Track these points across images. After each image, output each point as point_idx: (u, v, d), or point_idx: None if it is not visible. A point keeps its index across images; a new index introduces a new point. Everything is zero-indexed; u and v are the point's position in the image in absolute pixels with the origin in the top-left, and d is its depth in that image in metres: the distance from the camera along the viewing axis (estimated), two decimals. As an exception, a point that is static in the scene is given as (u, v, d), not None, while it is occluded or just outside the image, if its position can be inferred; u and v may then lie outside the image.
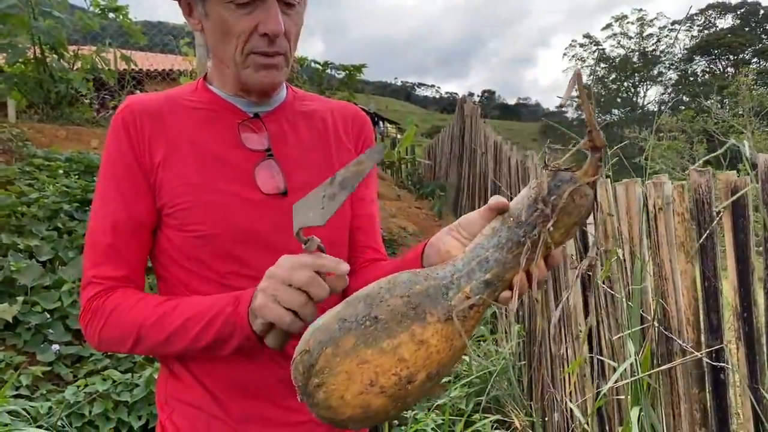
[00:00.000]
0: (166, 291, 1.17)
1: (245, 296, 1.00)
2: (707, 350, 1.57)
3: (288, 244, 1.10)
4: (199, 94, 1.19)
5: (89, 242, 1.14)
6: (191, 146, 1.13)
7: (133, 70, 8.29)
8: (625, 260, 1.99)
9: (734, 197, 1.39)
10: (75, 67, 7.47)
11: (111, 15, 7.82)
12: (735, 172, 1.45)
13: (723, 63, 60.59)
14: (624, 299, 2.01)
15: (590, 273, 2.43)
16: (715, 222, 1.43)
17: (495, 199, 0.91)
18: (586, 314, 2.62)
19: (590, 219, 2.36)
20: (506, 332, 4.33)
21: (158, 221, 1.14)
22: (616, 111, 62.11)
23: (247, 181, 1.12)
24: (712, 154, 1.73)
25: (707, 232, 1.45)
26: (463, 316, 0.88)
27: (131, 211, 1.12)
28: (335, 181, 0.98)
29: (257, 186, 1.12)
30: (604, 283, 2.24)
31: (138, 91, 7.67)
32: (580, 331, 2.71)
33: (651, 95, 66.52)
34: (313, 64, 12.40)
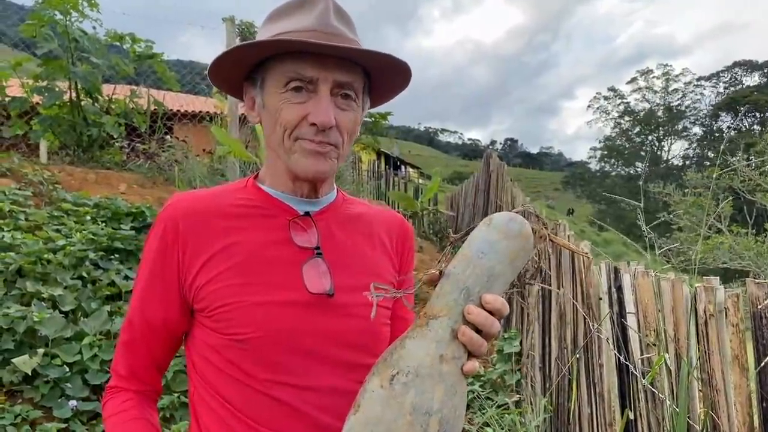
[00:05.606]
0: (195, 395, 1.14)
1: None
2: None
3: (331, 351, 1.07)
4: (249, 191, 1.18)
5: (120, 331, 1.19)
6: (237, 246, 1.10)
7: (164, 113, 8.43)
8: (669, 359, 1.90)
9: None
10: (108, 110, 7.62)
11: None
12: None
13: (749, 120, 60.40)
14: (667, 399, 1.92)
15: (628, 362, 2.34)
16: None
17: None
18: (622, 403, 2.51)
19: (632, 309, 2.28)
20: (531, 404, 4.19)
21: (184, 325, 1.15)
22: (639, 164, 61.86)
23: (294, 280, 1.09)
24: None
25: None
26: None
27: (146, 315, 1.14)
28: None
29: (304, 285, 1.09)
30: (644, 377, 2.15)
31: (168, 137, 7.76)
32: (614, 419, 2.60)
33: (675, 150, 66.32)
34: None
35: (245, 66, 1.13)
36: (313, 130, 1.07)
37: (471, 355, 0.88)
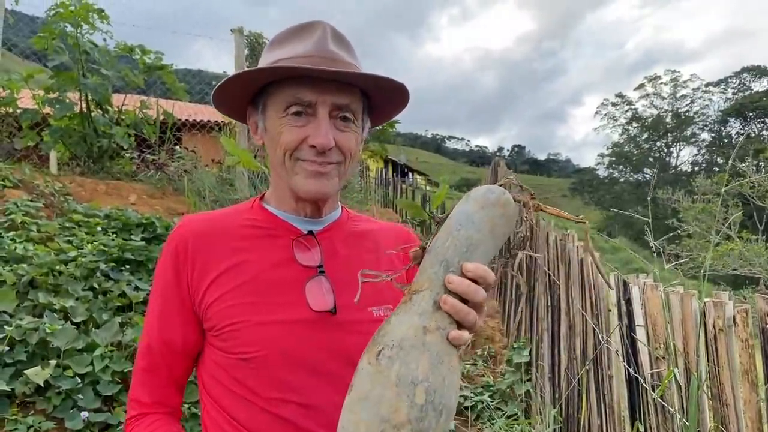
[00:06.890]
0: (204, 413, 1.17)
1: None
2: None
3: (334, 369, 1.09)
4: (255, 212, 1.21)
5: (136, 359, 1.19)
6: (243, 266, 1.13)
7: (173, 123, 8.48)
8: (678, 372, 1.91)
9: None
10: (118, 121, 7.67)
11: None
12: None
13: (758, 126, 60.14)
14: (677, 413, 1.92)
15: (637, 375, 2.34)
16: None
17: None
18: (632, 415, 2.51)
19: (641, 322, 2.28)
20: (540, 414, 4.19)
21: (201, 344, 1.17)
22: (647, 171, 61.64)
23: (297, 299, 1.11)
24: None
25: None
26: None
27: (165, 336, 1.16)
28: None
29: (307, 303, 1.11)
30: (654, 390, 2.15)
31: (178, 147, 7.81)
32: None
33: (684, 156, 66.15)
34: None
35: (248, 92, 1.17)
36: (313, 152, 1.10)
37: (461, 326, 0.87)
